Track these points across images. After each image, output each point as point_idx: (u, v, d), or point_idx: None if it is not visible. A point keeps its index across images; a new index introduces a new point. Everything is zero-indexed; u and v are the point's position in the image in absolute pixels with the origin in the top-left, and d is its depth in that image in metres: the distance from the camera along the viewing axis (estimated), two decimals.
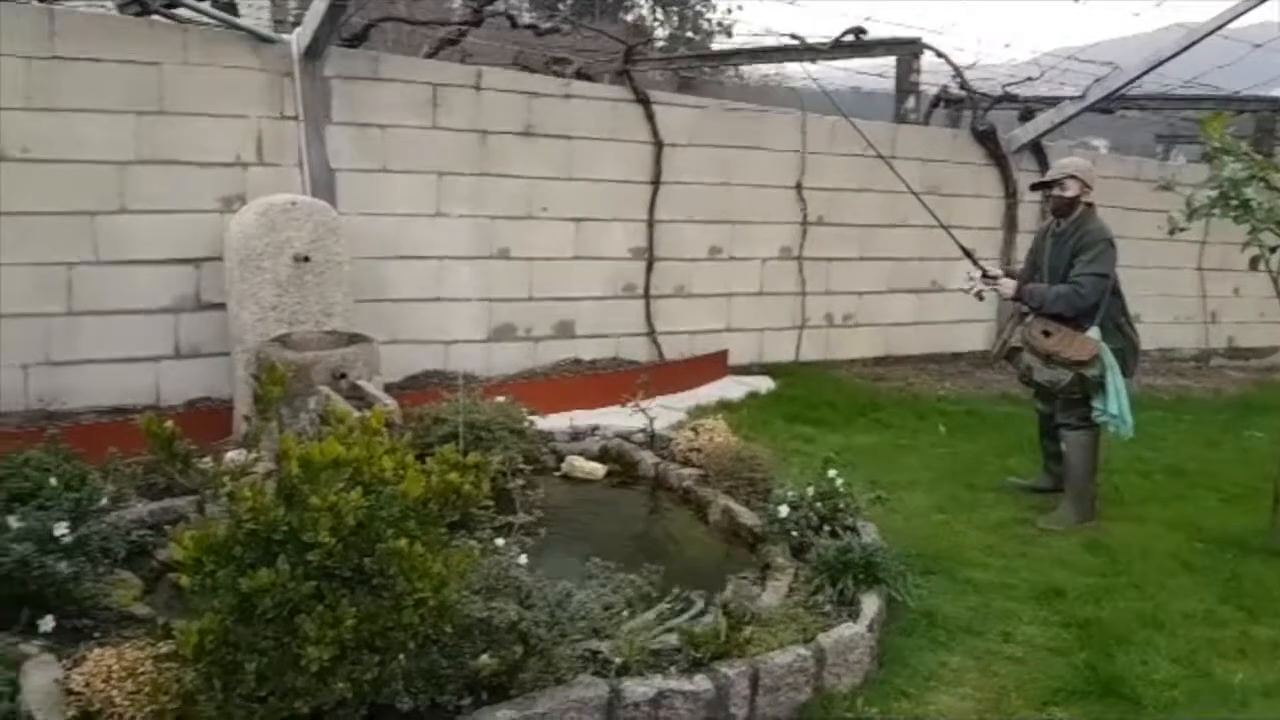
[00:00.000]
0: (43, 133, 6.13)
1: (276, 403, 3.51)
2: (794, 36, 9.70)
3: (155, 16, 6.77)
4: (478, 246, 7.62)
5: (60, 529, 3.73)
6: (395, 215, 7.26)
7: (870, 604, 3.96)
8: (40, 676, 3.36)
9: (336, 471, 3.00)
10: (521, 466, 4.94)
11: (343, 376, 5.44)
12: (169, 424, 3.18)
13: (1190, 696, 3.75)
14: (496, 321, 7.79)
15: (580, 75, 8.77)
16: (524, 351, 7.92)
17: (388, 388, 5.88)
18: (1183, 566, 5.01)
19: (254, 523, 2.92)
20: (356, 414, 3.34)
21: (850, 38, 9.43)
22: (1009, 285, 5.74)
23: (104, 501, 4.14)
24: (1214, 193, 5.04)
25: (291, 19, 8.13)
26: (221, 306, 6.45)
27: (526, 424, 5.78)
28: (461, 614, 3.19)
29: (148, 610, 3.89)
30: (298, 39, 6.78)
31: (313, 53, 6.74)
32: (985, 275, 5.82)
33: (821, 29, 9.89)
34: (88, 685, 3.20)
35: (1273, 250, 5.12)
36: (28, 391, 6.23)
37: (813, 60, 9.48)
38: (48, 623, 3.63)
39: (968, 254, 6.00)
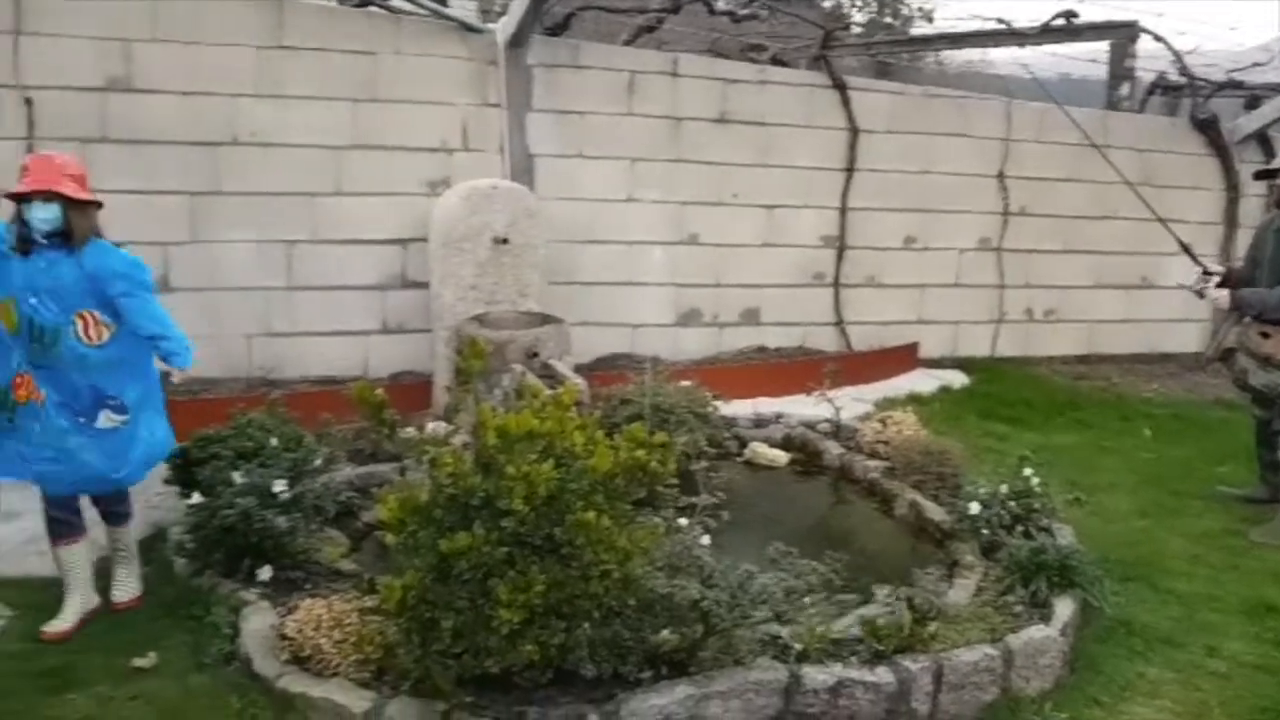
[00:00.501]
0: (269, 118, 6.57)
1: (476, 376, 3.68)
2: (1000, 21, 9.31)
3: (373, 8, 7.14)
4: (668, 232, 7.70)
5: (279, 486, 4.02)
6: (589, 200, 7.42)
7: (1064, 607, 3.81)
8: (258, 621, 3.66)
9: (530, 443, 3.13)
10: (706, 449, 4.98)
11: (535, 355, 5.63)
12: (380, 392, 3.37)
13: None
14: (684, 306, 7.86)
15: (775, 61, 8.71)
16: (709, 337, 7.96)
17: (576, 368, 6.03)
18: None
19: (454, 488, 3.08)
20: (548, 391, 3.47)
21: (1060, 21, 8.99)
22: (1224, 297, 5.35)
23: (318, 463, 4.42)
24: None
25: (497, 9, 8.41)
26: (425, 285, 6.76)
27: (710, 409, 5.82)
28: (645, 588, 3.27)
29: (354, 567, 4.16)
30: (503, 28, 7.02)
31: (517, 41, 6.97)
32: (1206, 273, 5.45)
33: (1029, 13, 9.50)
34: (299, 632, 3.46)
35: None
36: (250, 360, 6.71)
37: (1019, 45, 9.08)
38: (265, 573, 3.94)
39: (1186, 250, 5.64)
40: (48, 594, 4.04)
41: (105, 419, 3.79)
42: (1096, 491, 5.68)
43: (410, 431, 3.83)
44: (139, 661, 3.58)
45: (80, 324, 3.68)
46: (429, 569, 3.09)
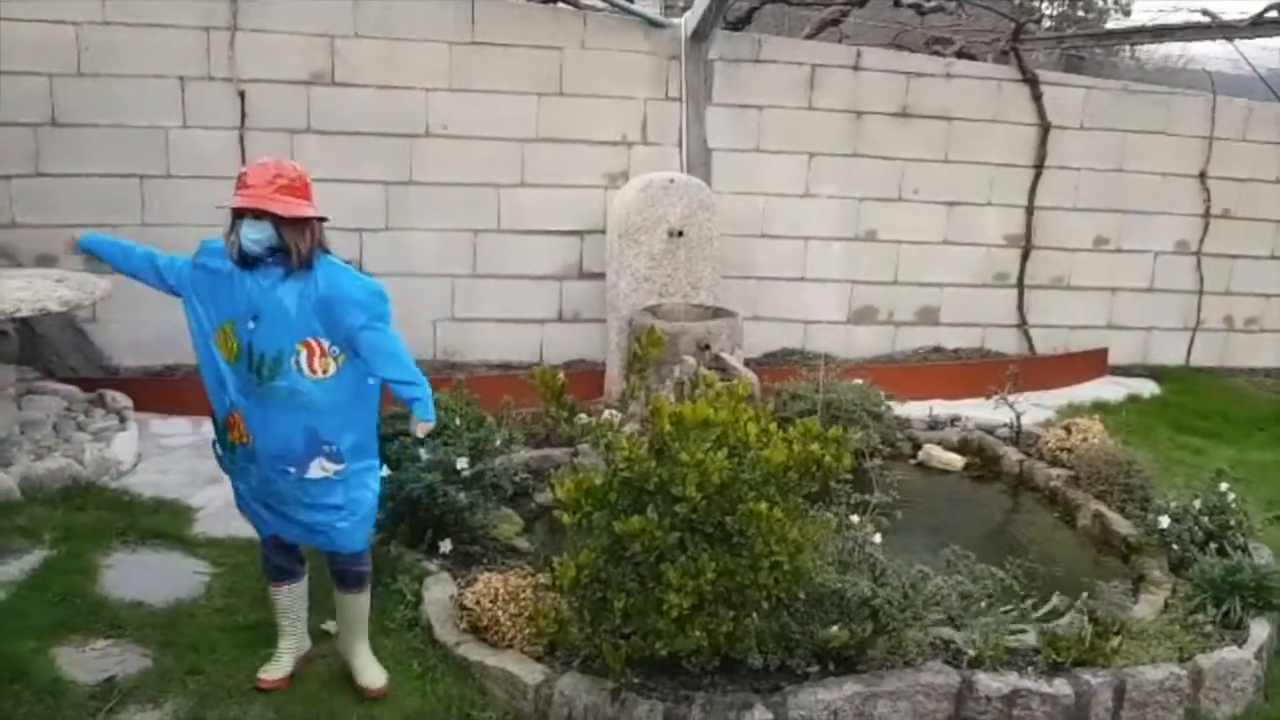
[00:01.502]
0: (459, 111, 6.83)
1: (652, 364, 3.73)
2: (1205, 13, 8.78)
3: (560, 4, 7.33)
4: (844, 227, 7.61)
5: (461, 463, 4.19)
6: (765, 194, 7.41)
7: (1260, 629, 3.62)
8: (439, 591, 3.83)
9: (704, 431, 3.17)
10: (879, 447, 4.91)
11: (706, 348, 5.67)
12: (560, 376, 3.48)
13: None
14: (858, 303, 7.75)
15: (961, 55, 8.48)
16: (884, 335, 7.82)
17: (746, 363, 6.04)
18: None
19: (629, 471, 3.15)
20: (721, 382, 3.50)
21: (1274, 13, 8.41)
22: None
23: (497, 443, 4.58)
24: None
25: (680, 4, 8.49)
26: (600, 276, 6.90)
27: (884, 408, 5.74)
28: (815, 582, 3.27)
29: (528, 545, 4.30)
30: (686, 23, 7.09)
31: (699, 36, 7.02)
32: None
33: (1237, 5, 8.91)
34: (477, 604, 3.61)
35: None
36: (435, 344, 7.01)
37: (1227, 39, 8.54)
38: (446, 545, 4.11)
39: None
40: (248, 554, 4.32)
41: (318, 468, 3.22)
42: None
43: (584, 418, 3.92)
44: (328, 625, 3.75)
45: (305, 353, 3.13)
46: (602, 550, 3.17)
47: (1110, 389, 7.66)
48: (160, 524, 4.68)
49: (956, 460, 5.65)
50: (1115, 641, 3.44)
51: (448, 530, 4.16)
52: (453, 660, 3.48)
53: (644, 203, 6.48)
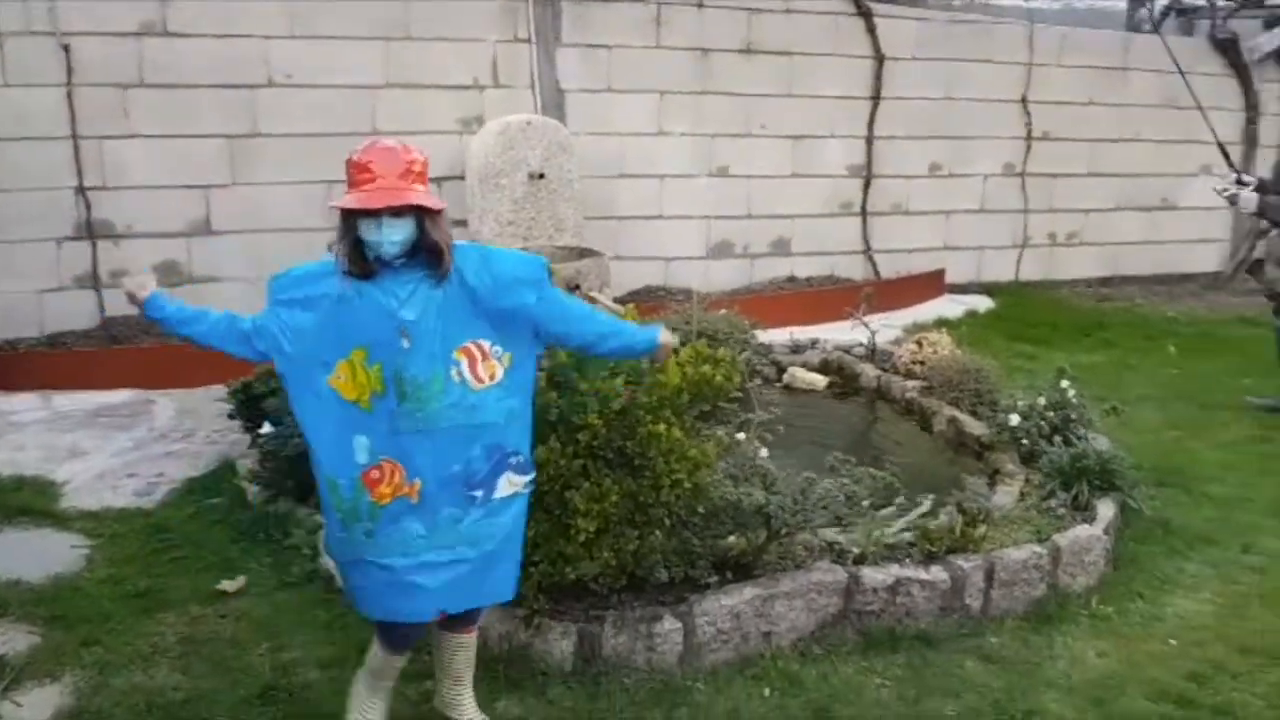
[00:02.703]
0: (303, 60, 6.63)
1: None
2: None
3: None
4: (698, 165, 7.79)
5: None
6: (620, 134, 7.50)
7: (1106, 509, 3.99)
8: None
9: (600, 361, 3.28)
10: (761, 369, 5.13)
11: (576, 288, 5.75)
12: None
13: None
14: (715, 239, 7.97)
15: None
16: (741, 268, 8.08)
17: (615, 300, 6.15)
18: None
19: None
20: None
21: None
22: (1251, 199, 5.45)
23: None
24: None
25: None
26: (462, 223, 6.86)
27: (750, 336, 5.97)
28: (714, 496, 3.43)
29: None
30: None
31: None
32: (1239, 180, 5.54)
33: None
34: None
35: None
36: None
37: None
38: None
39: (1225, 152, 5.77)
40: (126, 525, 4.23)
41: (506, 484, 2.71)
42: (1126, 405, 5.79)
43: None
44: (226, 584, 3.73)
45: (466, 362, 2.61)
46: None
47: (950, 306, 8.14)
48: (25, 501, 4.49)
49: (819, 380, 5.94)
50: (982, 529, 3.75)
51: None
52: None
53: (503, 146, 6.48)
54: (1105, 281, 9.23)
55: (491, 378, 2.64)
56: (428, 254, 2.57)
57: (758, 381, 4.90)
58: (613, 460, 3.27)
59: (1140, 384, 6.41)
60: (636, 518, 3.29)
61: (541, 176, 6.52)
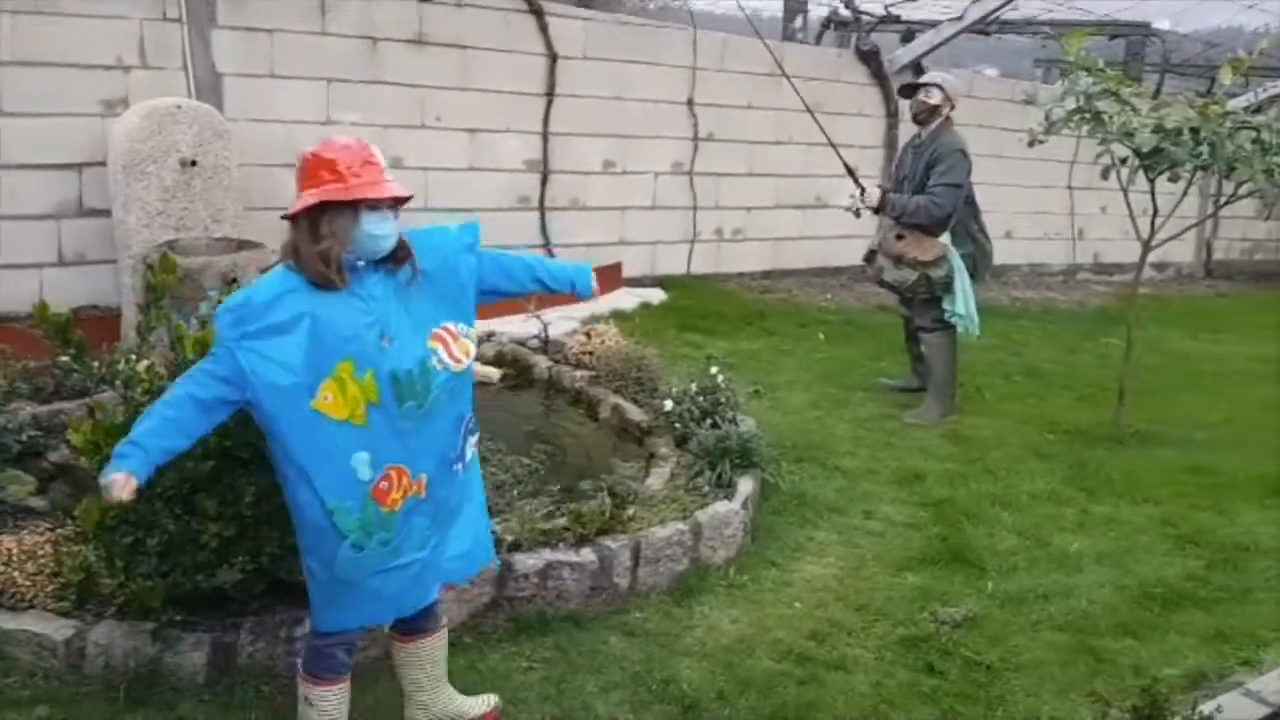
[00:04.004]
0: None
1: (169, 296, 3.59)
2: None
3: None
4: None
5: None
6: (284, 122, 7.18)
7: (745, 485, 4.26)
8: None
9: None
10: None
11: (233, 281, 5.44)
12: (64, 311, 3.24)
13: (1030, 562, 4.16)
14: None
15: None
16: None
17: None
18: (1033, 454, 5.44)
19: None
20: None
21: None
22: (874, 195, 5.98)
23: None
24: (1070, 106, 5.36)
25: None
26: (106, 213, 6.35)
27: None
28: None
29: (43, 504, 3.96)
30: None
31: None
32: (864, 195, 6.05)
33: None
34: None
35: (1123, 161, 5.48)
36: None
37: None
38: None
39: (850, 172, 6.26)
40: None
41: (470, 447, 2.76)
42: (777, 389, 6.28)
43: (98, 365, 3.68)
44: None
45: (441, 348, 2.56)
46: None
47: (626, 299, 8.42)
48: None
49: (494, 372, 5.96)
50: (631, 511, 3.90)
51: None
52: None
53: (149, 130, 6.03)
54: (767, 274, 9.87)
55: (467, 355, 2.62)
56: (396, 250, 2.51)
57: None
58: (248, 460, 3.12)
59: (792, 368, 6.91)
60: (275, 519, 3.16)
61: (194, 164, 6.12)
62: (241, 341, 2.36)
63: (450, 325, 2.59)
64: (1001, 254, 11.24)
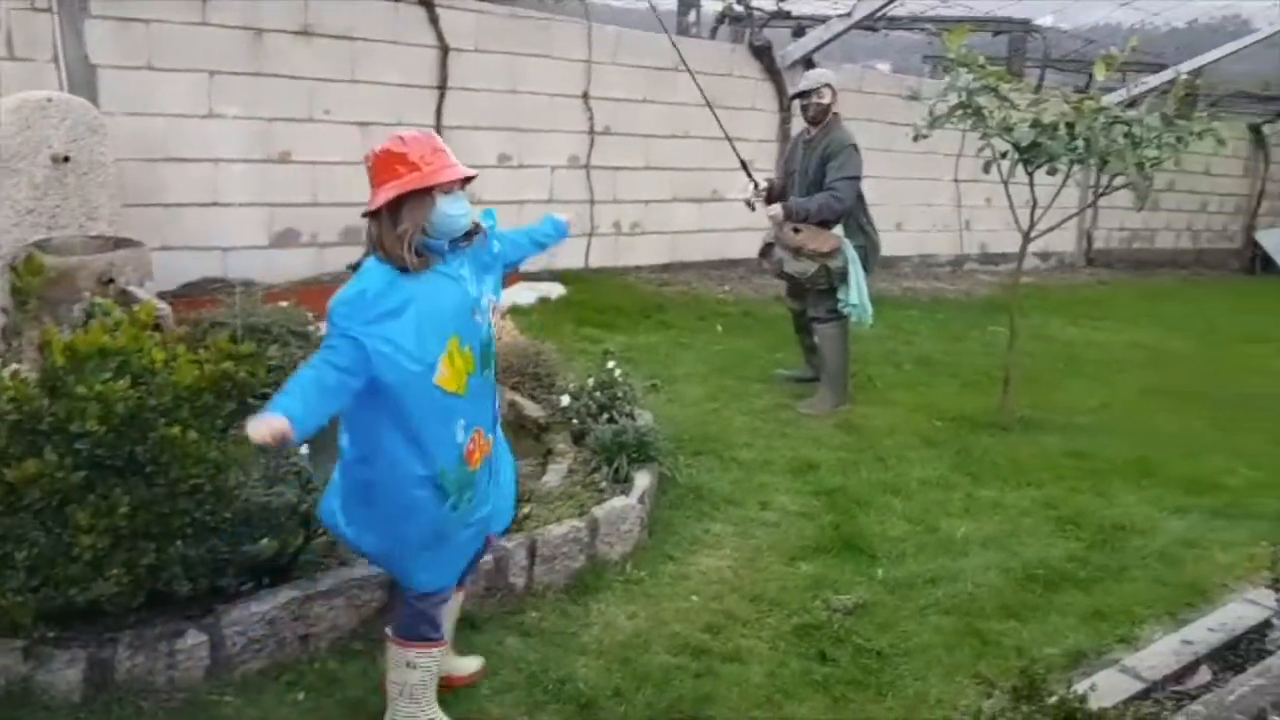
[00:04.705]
0: None
1: (36, 297, 3.44)
2: None
3: None
4: (256, 149, 7.39)
5: None
6: (164, 115, 6.93)
7: (642, 479, 4.26)
8: None
9: (103, 361, 3.01)
10: (302, 361, 4.91)
11: (110, 282, 5.24)
12: None
13: (918, 548, 4.25)
14: (279, 227, 7.61)
15: None
16: (310, 258, 7.77)
17: (163, 296, 5.71)
18: (923, 441, 5.58)
19: (17, 413, 2.91)
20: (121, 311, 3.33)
21: None
22: (777, 210, 6.05)
23: None
24: (952, 101, 5.49)
25: None
26: None
27: (312, 328, 5.76)
28: (240, 500, 3.26)
29: None
30: None
31: None
32: (757, 189, 6.15)
33: None
34: None
35: (1003, 155, 5.64)
36: None
37: None
38: None
39: (744, 166, 6.33)
40: None
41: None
42: (675, 382, 6.31)
43: None
44: None
45: (493, 314, 2.87)
46: None
47: (524, 294, 8.35)
48: None
49: None
50: (527, 509, 3.88)
51: None
52: None
53: (18, 125, 5.75)
54: (666, 268, 9.91)
55: (498, 316, 2.91)
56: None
57: None
58: (123, 469, 3.01)
59: (690, 361, 6.96)
60: (153, 529, 3.06)
61: (67, 160, 5.85)
62: (364, 327, 2.54)
63: (490, 295, 2.83)
64: (892, 245, 11.54)
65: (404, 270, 2.58)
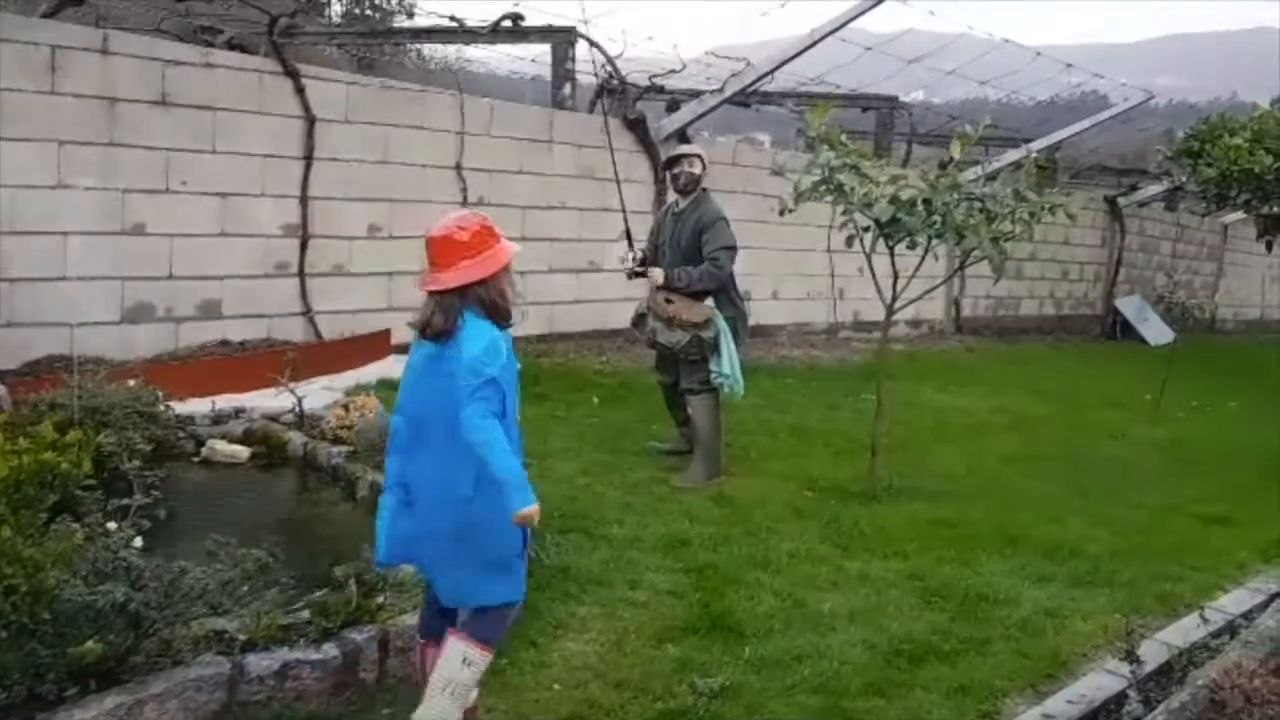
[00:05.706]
0: None
1: None
2: (453, 18, 9.72)
3: None
4: (108, 221, 7.11)
5: None
6: (8, 186, 6.63)
7: None
8: None
9: None
10: (140, 447, 4.65)
11: None
12: None
13: (786, 624, 4.20)
14: (131, 301, 7.30)
15: (234, 46, 8.35)
16: (164, 333, 7.47)
17: (3, 375, 5.40)
18: (793, 512, 5.58)
19: None
20: None
21: (508, 23, 9.60)
22: (658, 274, 6.08)
23: None
24: (815, 177, 5.61)
25: None
26: None
27: (161, 408, 5.50)
28: (62, 599, 3.03)
29: None
30: None
31: None
32: (634, 258, 6.20)
33: (482, 12, 10.00)
34: None
35: (865, 230, 5.78)
36: None
37: (469, 43, 9.56)
38: None
39: (628, 235, 6.37)
40: None
41: None
42: (549, 456, 6.20)
43: None
44: None
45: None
46: None
47: (396, 367, 8.04)
48: None
49: (242, 451, 5.62)
50: (381, 599, 3.71)
51: None
52: None
53: None
54: (544, 338, 9.85)
55: None
56: None
57: (136, 463, 4.41)
58: None
59: (564, 434, 6.86)
60: None
61: None
62: (501, 373, 3.06)
63: None
64: (768, 314, 11.74)
65: (503, 327, 3.17)
